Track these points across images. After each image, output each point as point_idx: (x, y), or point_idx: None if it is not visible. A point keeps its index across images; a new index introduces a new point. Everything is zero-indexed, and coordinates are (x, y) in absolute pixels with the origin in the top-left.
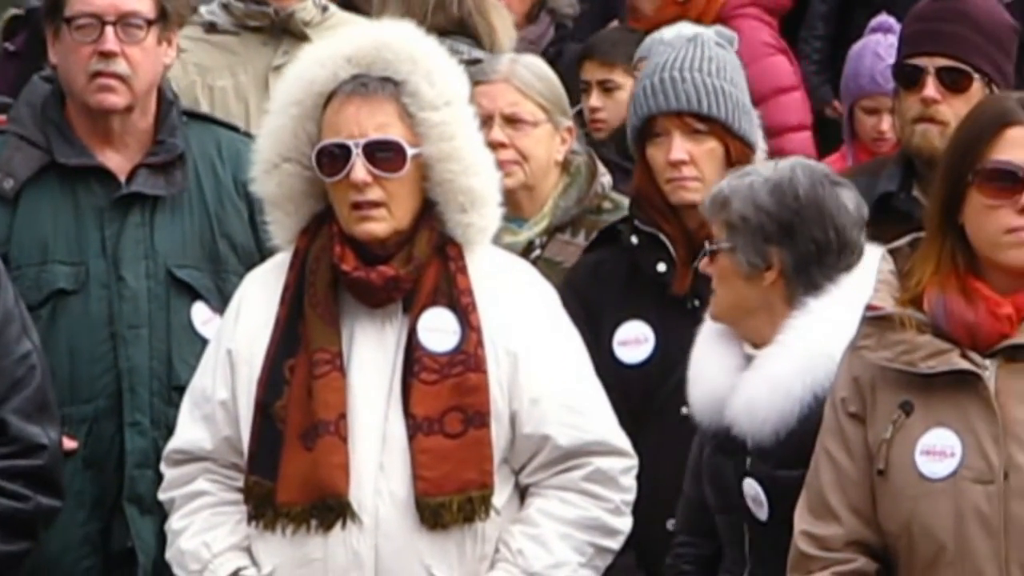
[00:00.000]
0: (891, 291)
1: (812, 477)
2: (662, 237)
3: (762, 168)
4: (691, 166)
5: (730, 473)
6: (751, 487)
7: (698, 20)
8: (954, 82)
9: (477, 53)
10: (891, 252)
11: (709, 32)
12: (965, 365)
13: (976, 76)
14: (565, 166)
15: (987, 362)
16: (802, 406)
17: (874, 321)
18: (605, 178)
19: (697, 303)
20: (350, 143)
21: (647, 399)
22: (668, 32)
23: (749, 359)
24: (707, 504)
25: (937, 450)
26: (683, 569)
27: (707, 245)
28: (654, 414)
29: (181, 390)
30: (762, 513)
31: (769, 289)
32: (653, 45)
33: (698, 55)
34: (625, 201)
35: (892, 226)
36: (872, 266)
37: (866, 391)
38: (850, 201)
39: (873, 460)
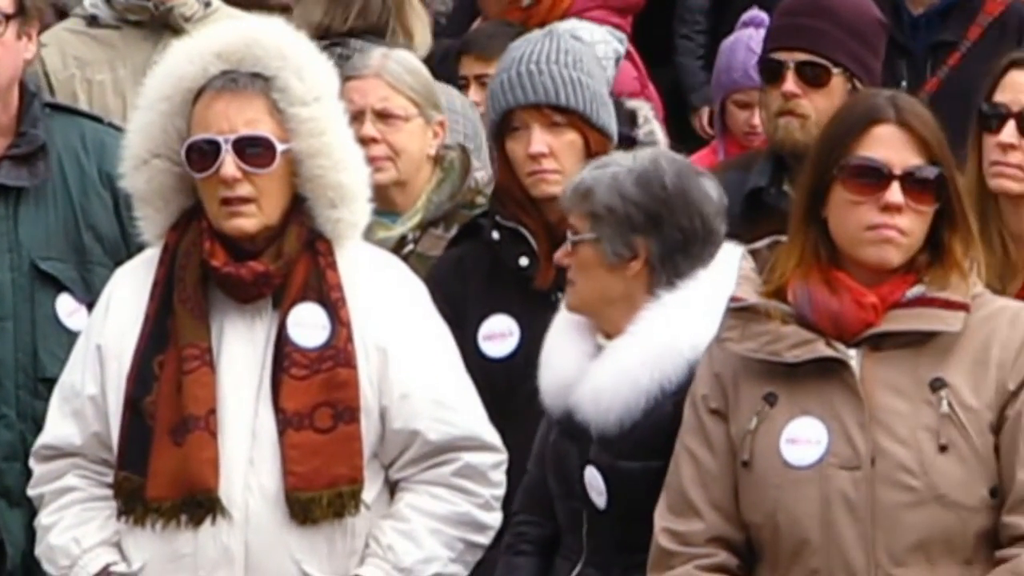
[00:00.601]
0: (753, 286)
1: (672, 475)
2: (523, 231)
3: (621, 159)
4: (551, 158)
5: (573, 459)
6: (592, 475)
7: (542, 24)
8: (813, 76)
9: None
10: (751, 252)
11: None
12: (831, 353)
13: (835, 71)
14: (438, 161)
15: (852, 351)
16: (648, 399)
17: (738, 313)
18: (479, 173)
19: (560, 296)
20: (220, 139)
21: (513, 393)
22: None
23: (600, 349)
24: (550, 487)
25: (802, 438)
26: (522, 548)
27: (570, 235)
28: (520, 407)
29: (47, 382)
30: (601, 501)
31: (632, 279)
32: None
33: (554, 47)
34: None
35: (763, 220)
36: (729, 264)
37: (728, 386)
38: (712, 190)
39: (736, 454)
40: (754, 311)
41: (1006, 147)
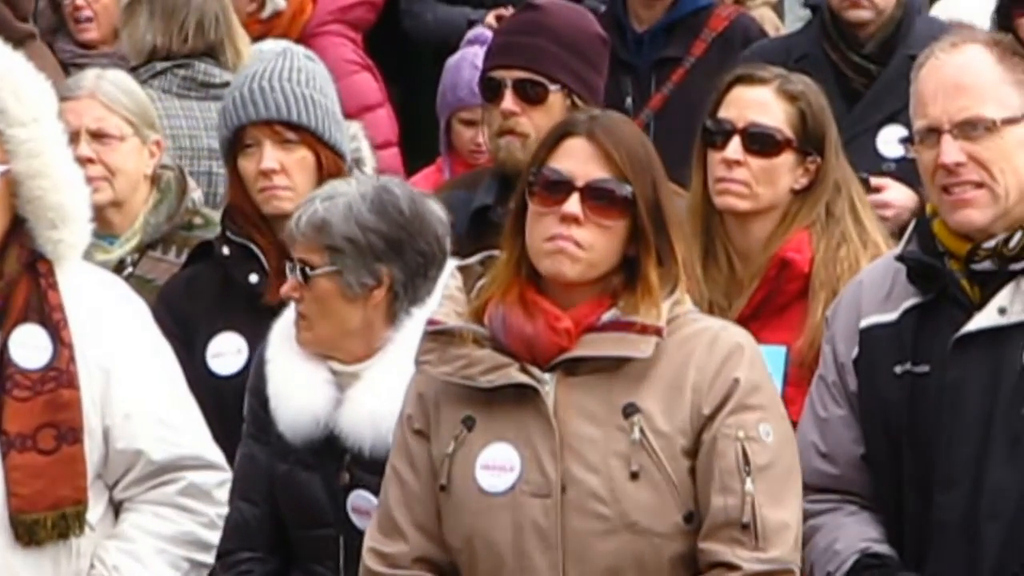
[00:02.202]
0: (456, 306)
1: (382, 496)
2: (254, 248)
3: (344, 187)
4: (282, 175)
5: (318, 488)
6: (363, 498)
7: (283, 37)
8: (531, 94)
9: (227, 76)
10: (461, 269)
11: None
12: (523, 379)
13: (553, 87)
14: (155, 181)
15: (546, 376)
16: None
17: (436, 336)
18: (196, 193)
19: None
20: None
21: (241, 410)
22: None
23: (337, 374)
24: (270, 521)
25: (497, 464)
26: None
27: (306, 271)
28: None
29: None
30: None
31: (374, 308)
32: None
33: (287, 66)
34: (216, 216)
35: (489, 239)
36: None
37: (430, 407)
38: (440, 211)
39: (438, 476)
40: (451, 334)
41: (731, 163)
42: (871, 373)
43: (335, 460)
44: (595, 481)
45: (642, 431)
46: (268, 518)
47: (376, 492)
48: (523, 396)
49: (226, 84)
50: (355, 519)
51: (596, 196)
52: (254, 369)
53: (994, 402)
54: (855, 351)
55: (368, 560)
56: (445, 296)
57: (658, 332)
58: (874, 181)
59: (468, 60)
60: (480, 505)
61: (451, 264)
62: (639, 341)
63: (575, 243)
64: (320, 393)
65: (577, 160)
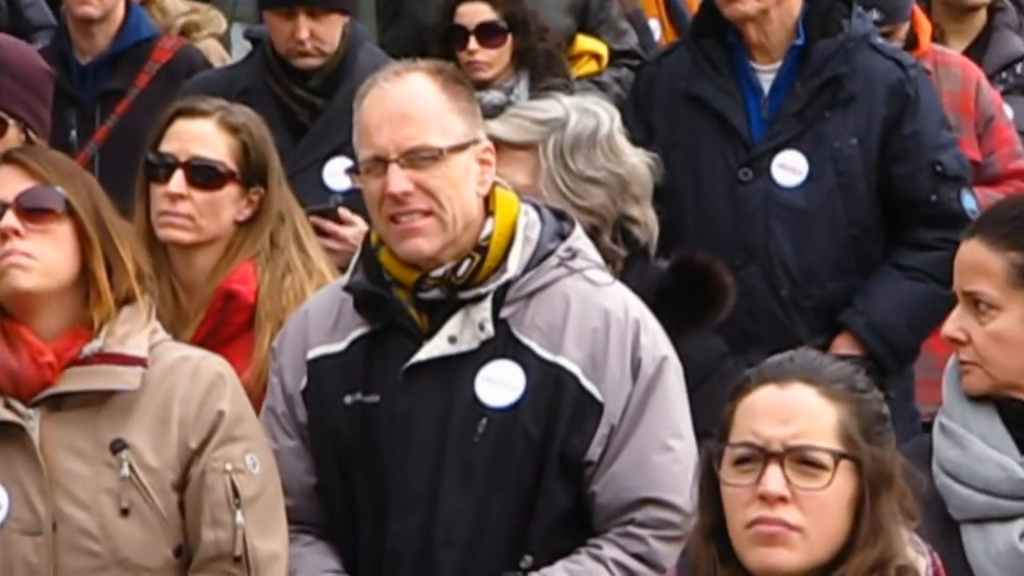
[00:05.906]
0: None
1: None
2: None
3: None
4: None
5: None
6: None
7: None
8: None
9: None
10: None
11: None
12: (7, 416)
13: (12, 122)
14: None
15: (31, 412)
16: None
17: None
18: None
19: None
20: None
21: None
22: None
23: None
24: None
25: None
26: None
27: None
28: None
29: None
30: None
31: None
32: None
33: None
34: None
35: None
36: None
37: None
38: None
39: None
40: None
41: (174, 197)
42: (321, 404)
43: None
44: (85, 518)
45: (131, 467)
46: None
47: None
48: (8, 433)
49: None
50: None
51: (27, 209)
52: None
53: (446, 430)
54: (304, 382)
55: None
56: None
57: (141, 363)
58: (343, 213)
59: None
60: None
61: None
62: (125, 373)
63: (23, 254)
64: None
65: (4, 183)
